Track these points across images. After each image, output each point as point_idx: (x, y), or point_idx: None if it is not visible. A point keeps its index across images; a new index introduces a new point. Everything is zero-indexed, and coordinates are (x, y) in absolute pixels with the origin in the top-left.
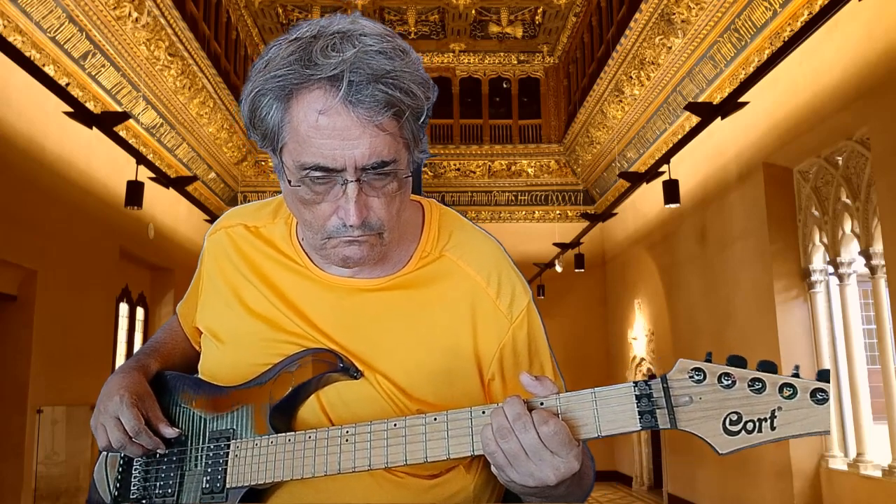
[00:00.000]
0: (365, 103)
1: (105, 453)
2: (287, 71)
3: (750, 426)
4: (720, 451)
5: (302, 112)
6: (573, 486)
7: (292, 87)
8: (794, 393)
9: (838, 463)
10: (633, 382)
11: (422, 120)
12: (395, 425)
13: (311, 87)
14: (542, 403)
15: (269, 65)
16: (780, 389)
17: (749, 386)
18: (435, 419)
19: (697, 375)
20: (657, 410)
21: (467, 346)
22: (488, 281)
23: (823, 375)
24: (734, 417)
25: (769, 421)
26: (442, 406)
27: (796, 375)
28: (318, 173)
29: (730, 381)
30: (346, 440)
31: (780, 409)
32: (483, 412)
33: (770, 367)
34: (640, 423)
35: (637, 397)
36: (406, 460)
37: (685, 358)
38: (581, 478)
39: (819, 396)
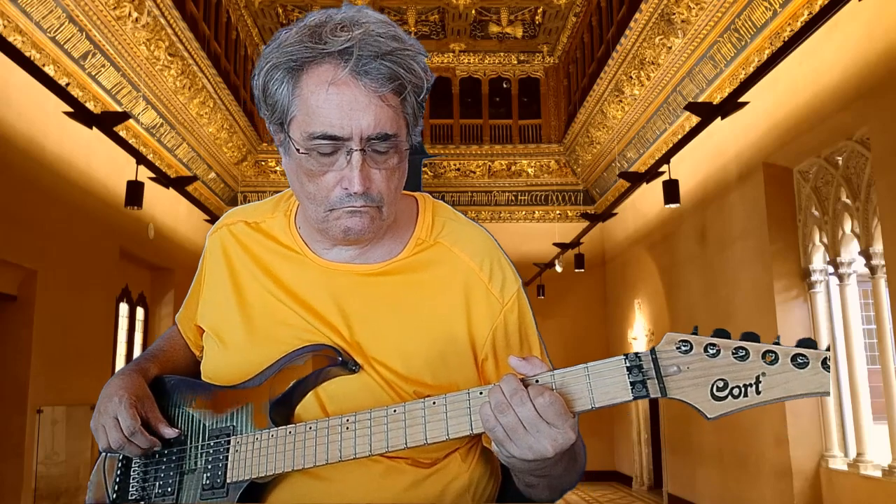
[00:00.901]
0: (371, 75)
1: (102, 457)
2: (299, 47)
3: (736, 391)
4: (709, 416)
5: (312, 84)
6: (570, 464)
7: (303, 61)
8: (776, 359)
9: (838, 463)
10: (624, 355)
11: (421, 97)
12: (394, 411)
13: (321, 61)
14: (537, 381)
15: (280, 43)
16: (763, 356)
17: (734, 354)
18: (434, 403)
19: (684, 346)
20: (648, 381)
21: (462, 328)
22: (481, 266)
23: (803, 342)
24: (721, 384)
25: (754, 386)
26: (438, 387)
27: (777, 343)
28: (325, 142)
29: (715, 350)
30: (347, 428)
31: (763, 374)
32: (480, 393)
33: (753, 336)
34: (633, 392)
35: (628, 369)
36: (406, 443)
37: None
38: (576, 456)
39: (799, 360)
